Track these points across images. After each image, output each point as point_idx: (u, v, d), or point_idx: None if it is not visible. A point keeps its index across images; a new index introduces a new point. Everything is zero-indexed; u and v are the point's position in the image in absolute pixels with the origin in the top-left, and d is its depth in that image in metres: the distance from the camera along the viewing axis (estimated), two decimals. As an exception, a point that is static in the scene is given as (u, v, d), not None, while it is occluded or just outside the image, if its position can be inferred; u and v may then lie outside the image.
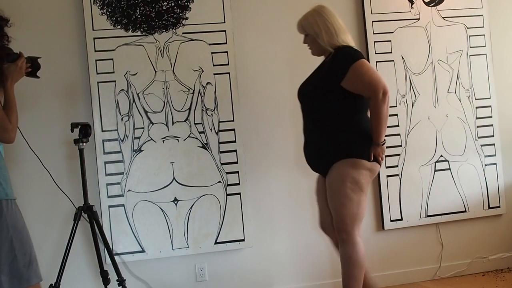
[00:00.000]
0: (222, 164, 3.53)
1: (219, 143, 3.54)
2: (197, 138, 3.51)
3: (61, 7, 3.42)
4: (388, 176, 3.76)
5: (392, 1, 3.79)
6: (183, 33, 3.52)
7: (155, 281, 3.49)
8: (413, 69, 3.81)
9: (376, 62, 3.73)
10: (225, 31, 3.56)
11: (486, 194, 3.91)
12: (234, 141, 3.56)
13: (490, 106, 3.92)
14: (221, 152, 3.54)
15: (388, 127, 3.69)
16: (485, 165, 3.91)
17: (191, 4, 3.52)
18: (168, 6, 3.50)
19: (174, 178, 3.48)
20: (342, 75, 2.69)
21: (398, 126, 3.77)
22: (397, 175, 3.77)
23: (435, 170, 3.83)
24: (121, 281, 3.12)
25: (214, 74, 3.55)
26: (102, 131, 3.41)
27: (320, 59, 2.93)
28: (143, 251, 3.44)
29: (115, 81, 3.44)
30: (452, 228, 3.88)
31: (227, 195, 3.53)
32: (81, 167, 3.15)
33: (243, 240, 3.55)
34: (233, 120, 3.56)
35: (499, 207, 3.94)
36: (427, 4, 3.85)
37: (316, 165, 2.88)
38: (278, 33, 3.65)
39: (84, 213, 3.11)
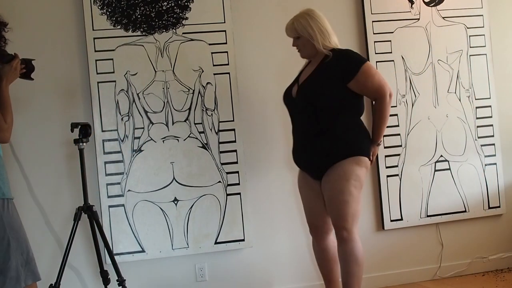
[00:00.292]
0: (222, 164, 3.53)
1: (219, 143, 3.54)
2: (197, 138, 3.51)
3: (61, 7, 3.42)
4: (388, 176, 3.76)
5: (392, 1, 3.79)
6: (183, 33, 3.52)
7: (155, 281, 3.49)
8: (413, 69, 3.81)
9: (376, 62, 3.73)
10: (225, 31, 3.56)
11: (486, 194, 3.91)
12: (234, 141, 3.56)
13: (490, 106, 3.92)
14: (221, 152, 3.54)
15: (388, 127, 3.73)
16: (485, 165, 3.91)
17: (191, 4, 3.52)
18: (168, 6, 3.50)
19: (174, 178, 3.48)
20: (352, 76, 2.77)
21: (398, 126, 3.77)
22: (397, 175, 3.77)
23: (435, 170, 3.83)
24: (121, 281, 3.12)
25: (214, 74, 3.55)
26: (102, 131, 3.41)
27: (302, 62, 3.05)
28: (143, 251, 3.44)
29: (115, 81, 3.44)
30: (452, 228, 3.89)
31: (227, 195, 3.53)
32: (81, 167, 3.15)
33: (243, 240, 3.55)
34: (233, 120, 3.56)
35: (499, 207, 3.94)
36: (427, 4, 3.85)
37: (315, 164, 2.89)
38: (278, 33, 3.64)
39: (84, 213, 3.11)
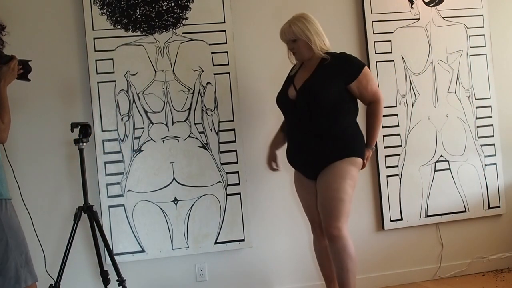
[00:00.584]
0: (222, 164, 3.53)
1: (219, 143, 3.54)
2: (197, 138, 3.51)
3: (61, 7, 3.42)
4: (388, 176, 3.76)
5: (392, 1, 3.79)
6: (183, 33, 3.52)
7: (155, 281, 3.49)
8: (413, 69, 3.81)
9: (376, 62, 3.73)
10: (225, 31, 3.56)
11: (486, 194, 3.91)
12: (234, 141, 3.56)
13: (490, 106, 3.92)
14: (221, 152, 3.54)
15: (388, 127, 3.75)
16: (485, 165, 3.90)
17: (191, 4, 3.52)
18: (168, 6, 3.50)
19: (174, 178, 3.48)
20: (354, 77, 2.86)
21: (398, 126, 3.77)
22: (397, 175, 3.77)
23: (435, 170, 3.83)
24: (121, 281, 3.12)
25: (214, 74, 3.55)
26: (102, 131, 3.41)
27: (289, 66, 3.12)
28: (143, 251, 3.44)
29: (115, 81, 3.44)
30: (452, 228, 3.89)
31: (227, 195, 3.53)
32: (81, 167, 3.15)
33: (243, 240, 3.55)
34: (233, 120, 3.56)
35: (499, 207, 3.94)
36: (427, 4, 3.85)
37: (311, 164, 2.93)
38: (278, 33, 3.64)
39: (84, 213, 3.11)
